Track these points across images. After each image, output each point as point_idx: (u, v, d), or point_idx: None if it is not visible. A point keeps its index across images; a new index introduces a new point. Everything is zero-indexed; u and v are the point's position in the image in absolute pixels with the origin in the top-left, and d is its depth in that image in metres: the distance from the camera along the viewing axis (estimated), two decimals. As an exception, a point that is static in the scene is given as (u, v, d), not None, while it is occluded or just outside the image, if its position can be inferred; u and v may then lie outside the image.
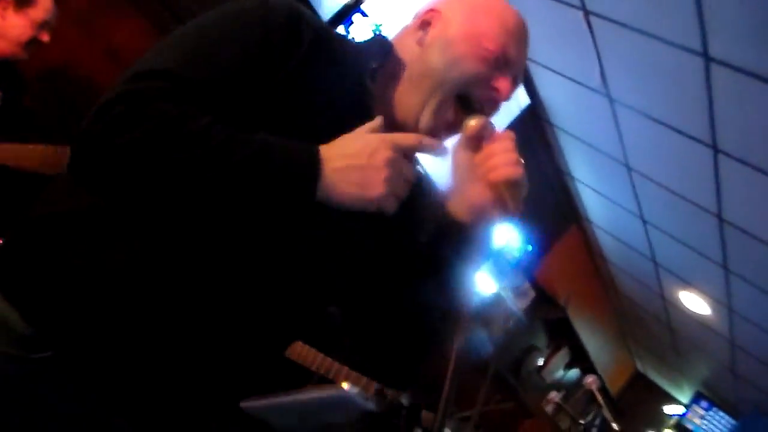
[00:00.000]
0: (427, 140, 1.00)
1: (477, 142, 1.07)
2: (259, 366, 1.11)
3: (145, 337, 0.95)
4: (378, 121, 0.98)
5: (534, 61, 3.74)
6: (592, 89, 3.49)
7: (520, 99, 3.98)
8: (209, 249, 0.96)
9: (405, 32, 1.18)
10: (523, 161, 1.04)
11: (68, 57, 2.79)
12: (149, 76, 0.90)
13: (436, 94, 1.08)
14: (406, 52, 1.14)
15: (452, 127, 1.10)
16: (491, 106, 1.12)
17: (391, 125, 1.12)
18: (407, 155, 0.98)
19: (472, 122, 1.06)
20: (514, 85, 1.14)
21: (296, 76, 1.00)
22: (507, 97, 1.10)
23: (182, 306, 0.96)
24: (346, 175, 0.92)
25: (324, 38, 1.07)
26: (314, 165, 0.91)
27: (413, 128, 1.10)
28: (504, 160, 1.03)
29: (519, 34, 1.13)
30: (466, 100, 1.09)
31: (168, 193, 0.87)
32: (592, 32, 3.07)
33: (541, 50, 3.54)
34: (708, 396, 7.69)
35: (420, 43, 1.13)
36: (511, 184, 1.03)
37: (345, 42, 1.14)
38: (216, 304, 0.98)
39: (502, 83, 1.09)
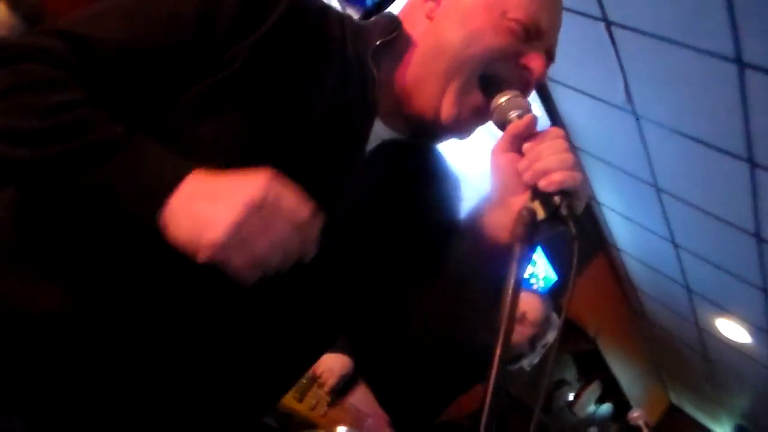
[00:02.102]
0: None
1: (522, 141, 0.86)
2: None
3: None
4: None
5: (553, 80, 3.60)
6: (616, 106, 3.33)
7: (539, 120, 3.83)
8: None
9: (411, 4, 1.00)
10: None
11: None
12: (51, 33, 0.77)
13: (456, 75, 0.90)
14: (415, 28, 0.96)
15: (480, 113, 0.91)
16: (522, 87, 0.93)
17: (405, 118, 0.96)
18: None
19: (503, 100, 0.88)
20: (548, 61, 0.96)
21: (264, 52, 0.83)
22: (541, 76, 0.92)
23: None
24: (189, 207, 0.68)
25: (309, 10, 0.90)
26: (162, 186, 0.69)
27: (434, 119, 0.91)
28: (556, 162, 0.81)
29: (551, 1, 0.95)
30: (489, 82, 0.90)
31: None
32: (614, 45, 2.92)
33: (560, 67, 3.38)
34: (749, 429, 7.34)
35: (430, 16, 0.95)
36: (567, 194, 0.80)
37: (345, 19, 0.97)
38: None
39: (534, 60, 0.91)
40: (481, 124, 0.95)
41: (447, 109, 0.90)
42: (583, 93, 3.48)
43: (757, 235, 3.43)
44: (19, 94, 0.70)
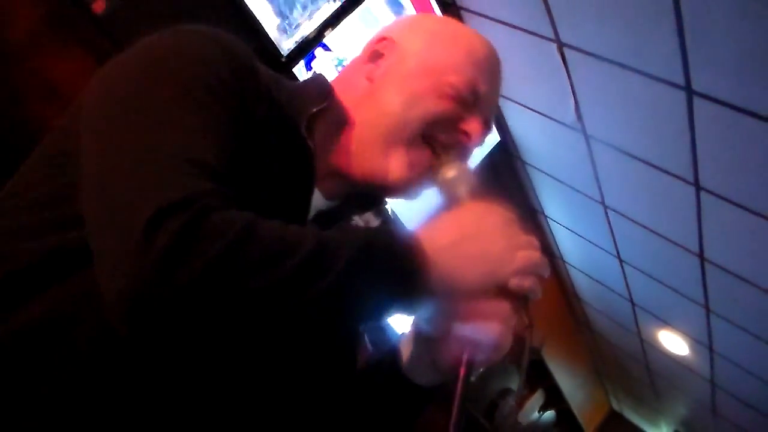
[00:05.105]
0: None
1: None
2: None
3: None
4: None
5: (505, 97, 3.58)
6: (567, 125, 3.34)
7: (490, 136, 3.81)
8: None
9: (353, 66, 0.99)
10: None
11: (6, 95, 2.55)
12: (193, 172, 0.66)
13: (399, 138, 0.89)
14: (354, 90, 0.94)
15: (428, 172, 0.91)
16: (461, 151, 0.94)
17: (345, 183, 0.93)
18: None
19: (450, 174, 0.88)
20: (485, 127, 0.96)
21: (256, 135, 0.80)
22: (478, 142, 0.92)
23: None
24: (457, 250, 0.76)
25: (274, 84, 0.87)
26: (414, 251, 0.73)
27: (383, 182, 0.89)
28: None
29: (490, 67, 0.96)
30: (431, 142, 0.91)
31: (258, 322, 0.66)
32: (566, 66, 2.92)
33: (512, 85, 3.39)
34: (687, 435, 7.53)
35: (370, 78, 0.94)
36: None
37: (283, 84, 0.93)
38: None
39: (472, 125, 0.91)
40: (427, 183, 0.94)
41: (396, 171, 0.88)
42: (534, 111, 3.48)
43: (700, 255, 3.48)
44: (256, 240, 0.63)
